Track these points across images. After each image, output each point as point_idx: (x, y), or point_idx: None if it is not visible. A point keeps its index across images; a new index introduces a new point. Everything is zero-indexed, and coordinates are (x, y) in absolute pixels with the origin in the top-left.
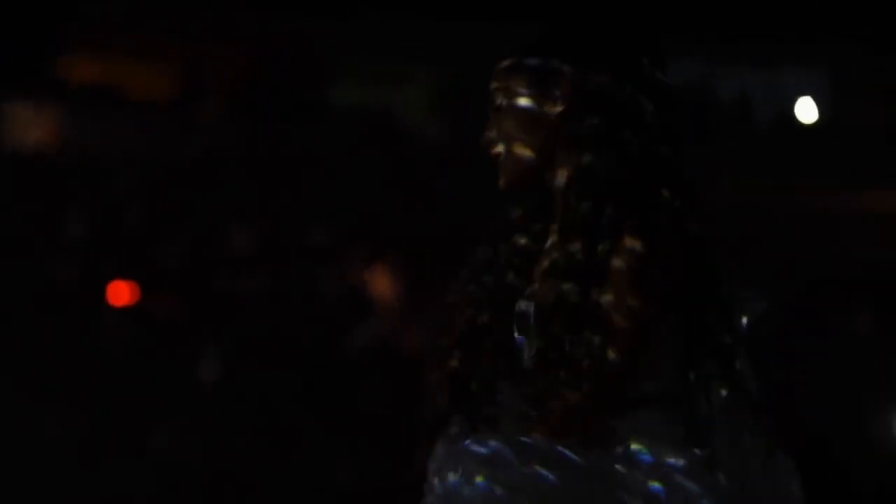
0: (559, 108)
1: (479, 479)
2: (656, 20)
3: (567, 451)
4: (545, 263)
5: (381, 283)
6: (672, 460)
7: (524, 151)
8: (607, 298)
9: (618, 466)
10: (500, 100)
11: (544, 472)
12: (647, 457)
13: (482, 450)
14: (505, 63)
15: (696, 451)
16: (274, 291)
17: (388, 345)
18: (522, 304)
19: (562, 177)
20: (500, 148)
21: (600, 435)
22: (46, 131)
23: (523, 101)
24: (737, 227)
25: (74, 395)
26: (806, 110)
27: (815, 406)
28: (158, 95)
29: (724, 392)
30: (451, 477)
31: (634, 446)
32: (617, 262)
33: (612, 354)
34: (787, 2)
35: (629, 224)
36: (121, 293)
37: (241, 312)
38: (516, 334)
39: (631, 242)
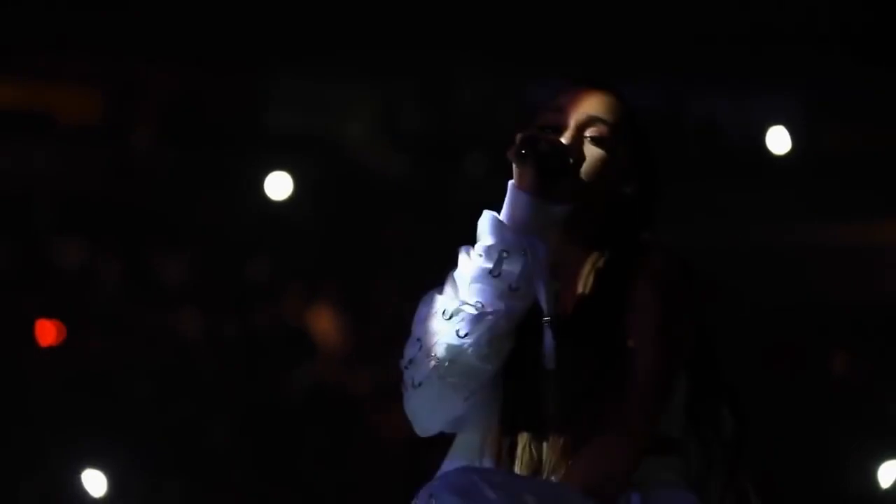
0: None
1: None
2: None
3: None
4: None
5: (323, 322)
6: None
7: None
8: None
9: None
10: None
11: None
12: None
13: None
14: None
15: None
16: (209, 329)
17: (329, 387)
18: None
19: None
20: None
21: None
22: None
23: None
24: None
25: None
26: (778, 139)
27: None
28: (87, 121)
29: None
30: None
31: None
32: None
33: (636, 402)
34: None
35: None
36: (47, 332)
37: (175, 352)
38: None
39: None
